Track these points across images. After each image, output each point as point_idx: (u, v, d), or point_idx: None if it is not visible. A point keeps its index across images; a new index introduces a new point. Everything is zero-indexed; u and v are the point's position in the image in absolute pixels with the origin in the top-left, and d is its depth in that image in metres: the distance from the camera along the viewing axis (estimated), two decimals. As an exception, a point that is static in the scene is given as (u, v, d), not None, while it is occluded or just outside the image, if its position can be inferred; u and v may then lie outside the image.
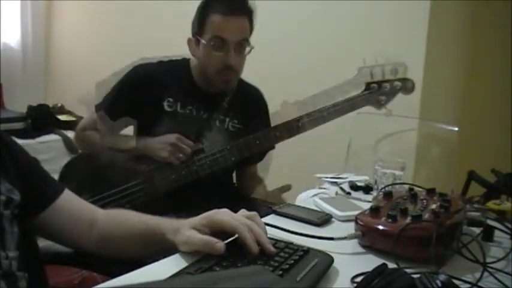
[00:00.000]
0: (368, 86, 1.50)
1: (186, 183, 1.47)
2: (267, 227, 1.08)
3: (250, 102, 1.64)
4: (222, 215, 0.85)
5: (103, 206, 1.42)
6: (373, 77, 1.50)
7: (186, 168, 1.46)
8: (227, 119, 1.58)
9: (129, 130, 1.63)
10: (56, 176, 1.04)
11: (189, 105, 1.54)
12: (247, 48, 1.51)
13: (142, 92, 1.52)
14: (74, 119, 3.17)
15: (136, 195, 1.46)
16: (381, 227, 0.99)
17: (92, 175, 1.53)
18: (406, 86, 1.51)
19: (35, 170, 0.96)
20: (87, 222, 0.96)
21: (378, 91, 1.49)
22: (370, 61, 1.50)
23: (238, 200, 1.63)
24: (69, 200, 0.98)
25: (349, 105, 1.47)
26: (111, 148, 1.56)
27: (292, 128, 1.46)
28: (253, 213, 0.89)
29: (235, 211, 0.87)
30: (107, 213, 1.01)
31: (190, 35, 1.55)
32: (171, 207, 1.48)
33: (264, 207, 1.42)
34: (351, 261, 0.96)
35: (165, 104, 1.53)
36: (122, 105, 1.56)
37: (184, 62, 1.60)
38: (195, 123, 1.55)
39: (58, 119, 3.16)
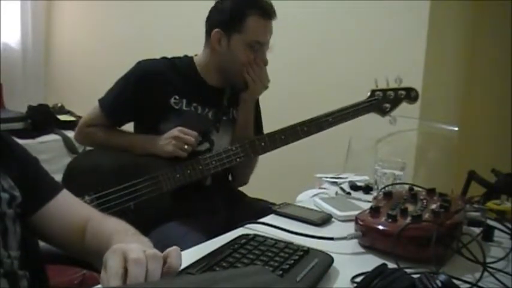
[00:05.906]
0: (373, 93, 1.54)
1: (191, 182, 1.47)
2: (267, 227, 1.09)
3: None
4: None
5: (107, 203, 1.43)
6: (378, 85, 1.54)
7: (191, 167, 1.46)
8: (231, 109, 1.58)
9: (130, 126, 1.62)
10: (56, 176, 1.03)
11: (194, 103, 1.53)
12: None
13: (147, 88, 1.50)
14: (74, 119, 3.16)
15: (141, 193, 1.45)
16: (381, 227, 0.99)
17: (95, 173, 1.51)
18: (410, 95, 1.55)
19: (34, 169, 0.95)
20: (79, 227, 0.91)
21: (382, 99, 1.53)
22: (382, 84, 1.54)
23: (238, 199, 1.64)
24: (65, 202, 0.95)
25: (353, 112, 1.50)
26: (116, 146, 1.54)
27: (298, 132, 1.48)
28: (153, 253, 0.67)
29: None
30: (98, 221, 0.92)
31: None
32: (172, 205, 1.48)
33: (264, 206, 1.42)
34: (351, 261, 0.96)
35: (172, 101, 1.52)
36: (126, 101, 1.53)
37: (188, 59, 1.59)
38: (201, 121, 1.54)
39: (58, 119, 3.14)
